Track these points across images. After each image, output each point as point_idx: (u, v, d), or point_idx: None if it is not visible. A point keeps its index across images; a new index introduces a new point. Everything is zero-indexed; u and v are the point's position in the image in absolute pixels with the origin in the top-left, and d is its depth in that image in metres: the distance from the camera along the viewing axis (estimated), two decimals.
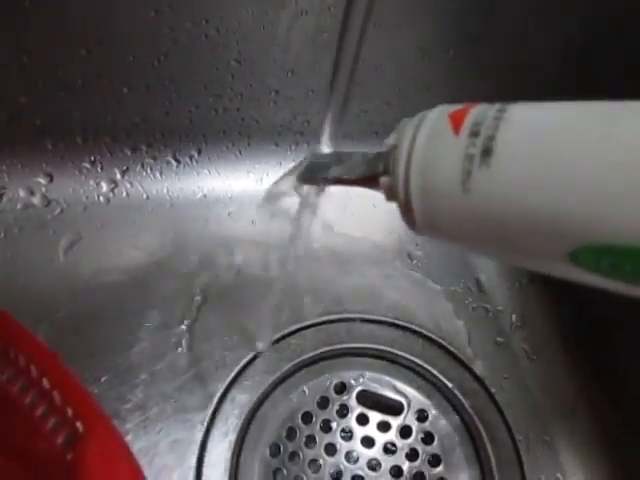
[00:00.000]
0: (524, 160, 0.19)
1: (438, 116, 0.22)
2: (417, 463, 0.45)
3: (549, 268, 0.21)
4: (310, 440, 0.45)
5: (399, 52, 0.50)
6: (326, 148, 0.35)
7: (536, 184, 0.18)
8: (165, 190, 0.54)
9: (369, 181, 0.26)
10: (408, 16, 0.48)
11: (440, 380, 0.48)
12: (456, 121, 0.21)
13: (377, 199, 0.60)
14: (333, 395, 0.47)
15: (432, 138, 0.21)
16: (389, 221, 0.55)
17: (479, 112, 0.21)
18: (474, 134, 0.20)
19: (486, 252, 0.23)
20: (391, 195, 0.24)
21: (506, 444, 0.46)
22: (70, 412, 0.30)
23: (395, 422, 0.46)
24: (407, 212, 0.23)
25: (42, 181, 0.51)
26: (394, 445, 0.45)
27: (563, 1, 0.48)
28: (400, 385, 0.48)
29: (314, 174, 0.31)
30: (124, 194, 0.53)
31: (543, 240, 0.19)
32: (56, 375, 0.32)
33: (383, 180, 0.24)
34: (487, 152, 0.19)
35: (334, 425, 0.46)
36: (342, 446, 0.45)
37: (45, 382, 0.31)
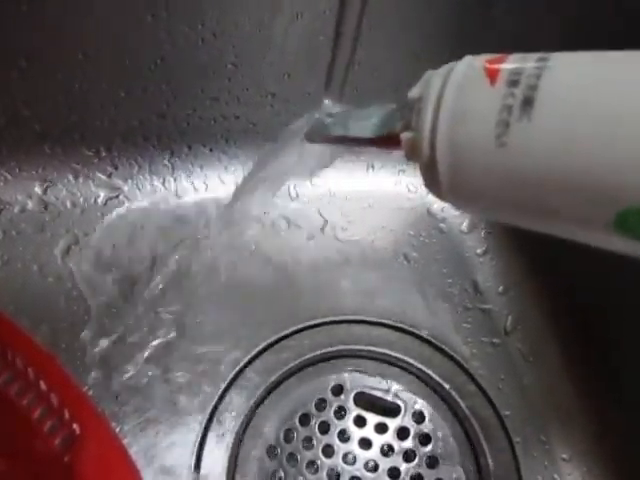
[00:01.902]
0: (570, 112, 0.17)
1: (470, 65, 0.20)
2: (414, 464, 0.45)
3: (591, 235, 0.19)
4: (308, 442, 0.45)
5: (395, 55, 0.50)
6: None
7: (583, 139, 0.16)
8: (162, 193, 0.54)
9: (386, 140, 0.24)
10: (404, 20, 0.48)
11: (437, 381, 0.48)
12: (492, 69, 0.19)
13: (373, 199, 0.60)
14: (331, 397, 0.47)
15: (464, 88, 0.20)
16: (386, 222, 0.55)
17: (518, 59, 0.19)
18: (513, 83, 0.18)
19: (518, 218, 0.21)
20: (413, 153, 0.22)
21: (503, 445, 0.46)
22: (67, 414, 0.31)
23: (392, 424, 0.46)
24: (431, 173, 0.21)
25: (40, 184, 0.51)
26: (391, 447, 0.45)
27: (562, 2, 0.48)
28: (397, 387, 0.48)
29: (324, 133, 0.29)
30: (122, 197, 0.53)
31: (587, 202, 0.17)
32: (53, 377, 0.32)
33: (405, 135, 0.22)
34: (528, 103, 0.17)
35: (332, 427, 0.46)
36: (340, 448, 0.45)
37: (42, 384, 0.31)
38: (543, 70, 0.18)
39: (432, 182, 0.21)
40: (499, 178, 0.19)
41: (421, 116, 0.21)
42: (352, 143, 0.27)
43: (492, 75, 0.19)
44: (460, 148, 0.19)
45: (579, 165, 0.17)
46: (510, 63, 0.19)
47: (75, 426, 0.30)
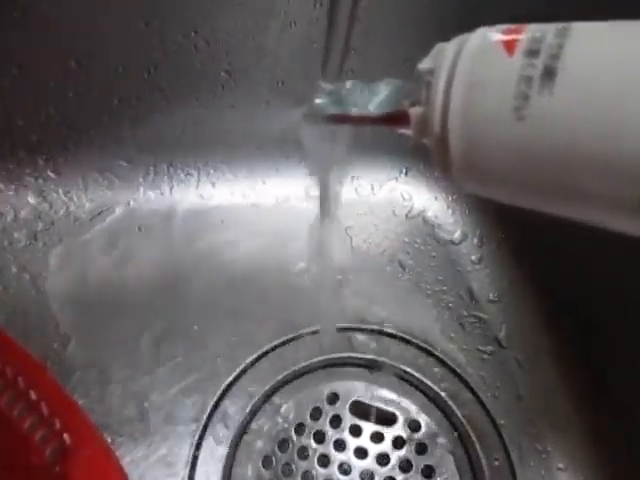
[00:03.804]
0: (597, 84, 0.16)
1: (484, 35, 0.19)
2: (410, 474, 0.44)
3: (616, 219, 0.17)
4: (303, 451, 0.45)
5: (387, 62, 0.50)
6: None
7: (610, 113, 0.15)
8: (156, 202, 0.54)
9: (393, 118, 0.22)
10: (396, 27, 0.48)
11: (433, 390, 0.48)
12: (509, 39, 0.18)
13: (368, 207, 0.60)
14: (326, 406, 0.47)
15: (479, 59, 0.19)
16: (380, 229, 0.55)
17: (537, 29, 0.18)
18: (532, 53, 0.17)
19: (536, 199, 0.19)
20: (422, 129, 0.20)
21: (499, 454, 0.45)
22: (58, 424, 0.30)
23: (388, 433, 0.46)
24: (442, 149, 0.20)
25: (33, 193, 0.51)
26: (387, 456, 0.45)
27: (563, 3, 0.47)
28: (393, 395, 0.47)
29: (325, 113, 0.27)
30: (115, 206, 0.53)
31: (613, 181, 0.16)
32: (43, 387, 0.31)
33: (414, 111, 0.20)
34: (549, 74, 0.16)
35: (327, 436, 0.45)
36: (335, 457, 0.45)
37: (32, 394, 0.31)
38: (565, 39, 0.17)
39: (443, 160, 0.20)
40: (516, 154, 0.18)
41: (432, 88, 0.19)
42: (356, 122, 0.25)
43: (509, 45, 0.18)
44: (474, 121, 0.18)
45: (605, 142, 0.16)
46: (528, 33, 0.18)
47: (66, 436, 0.30)
